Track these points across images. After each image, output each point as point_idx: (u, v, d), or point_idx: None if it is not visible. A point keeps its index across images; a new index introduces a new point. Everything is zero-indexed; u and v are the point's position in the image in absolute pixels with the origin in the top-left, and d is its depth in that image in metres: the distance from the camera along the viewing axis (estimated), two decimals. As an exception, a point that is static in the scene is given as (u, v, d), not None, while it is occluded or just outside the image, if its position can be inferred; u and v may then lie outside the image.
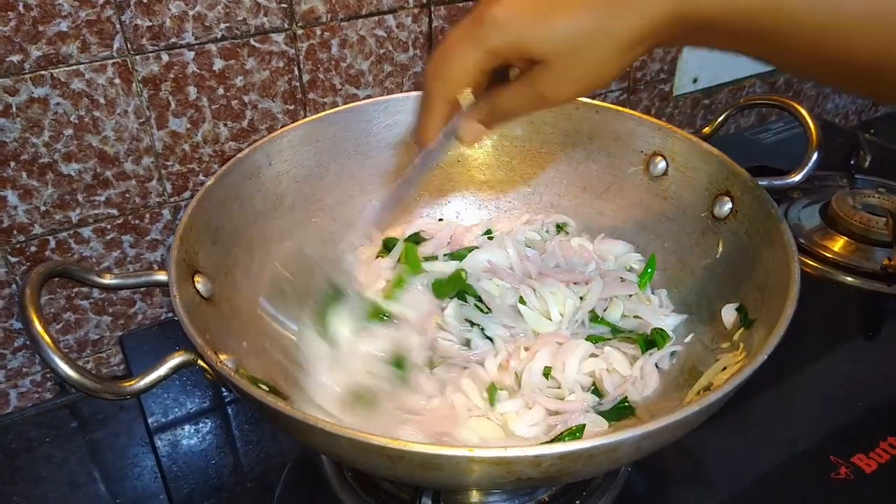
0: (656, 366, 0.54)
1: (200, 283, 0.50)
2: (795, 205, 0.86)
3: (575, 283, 0.60)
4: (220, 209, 0.56)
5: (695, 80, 1.00)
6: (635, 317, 0.58)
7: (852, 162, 0.94)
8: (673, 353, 0.55)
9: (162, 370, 0.43)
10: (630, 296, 0.59)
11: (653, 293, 0.61)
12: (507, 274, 0.61)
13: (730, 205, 0.57)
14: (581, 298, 0.59)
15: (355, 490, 0.54)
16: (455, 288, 0.59)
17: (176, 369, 0.43)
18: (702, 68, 0.99)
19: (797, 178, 0.56)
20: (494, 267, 0.61)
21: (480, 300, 0.58)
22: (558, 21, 0.38)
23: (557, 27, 0.38)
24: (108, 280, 0.48)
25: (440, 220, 0.71)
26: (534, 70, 0.40)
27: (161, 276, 0.48)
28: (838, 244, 0.80)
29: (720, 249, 0.57)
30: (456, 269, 0.61)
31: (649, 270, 0.62)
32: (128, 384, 0.42)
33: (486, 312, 0.58)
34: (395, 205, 0.51)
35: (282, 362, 0.50)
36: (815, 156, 0.56)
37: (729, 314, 0.53)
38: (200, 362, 0.43)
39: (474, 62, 0.40)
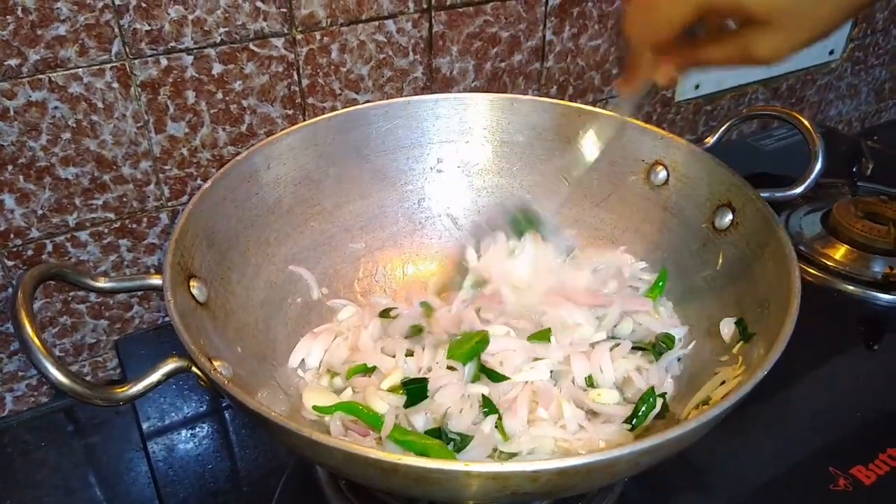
0: (666, 370, 0.55)
1: (196, 288, 0.50)
2: (797, 212, 0.86)
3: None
4: (217, 212, 0.55)
5: (697, 87, 0.99)
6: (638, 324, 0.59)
7: (854, 169, 0.94)
8: (679, 359, 0.55)
9: (155, 376, 0.42)
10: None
11: (661, 305, 0.60)
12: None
13: (731, 216, 0.57)
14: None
15: (349, 499, 0.54)
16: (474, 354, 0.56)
17: (169, 375, 0.43)
18: (704, 75, 0.99)
19: (799, 189, 0.56)
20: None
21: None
22: None
23: None
24: (102, 283, 0.48)
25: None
26: (747, 27, 0.39)
27: (156, 280, 0.48)
28: (839, 252, 0.79)
29: (720, 261, 0.57)
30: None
31: (660, 284, 0.61)
32: (120, 390, 0.42)
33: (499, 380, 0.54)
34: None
35: None
36: (817, 167, 0.56)
37: (728, 328, 0.52)
38: (194, 369, 0.42)
39: (680, 15, 0.40)
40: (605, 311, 0.59)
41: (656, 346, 0.56)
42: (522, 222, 0.63)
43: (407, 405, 0.52)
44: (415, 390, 0.52)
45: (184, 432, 0.63)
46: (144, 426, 0.63)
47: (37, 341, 0.40)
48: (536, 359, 0.55)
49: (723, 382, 0.47)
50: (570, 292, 0.60)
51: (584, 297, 0.60)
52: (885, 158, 1.00)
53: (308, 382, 0.57)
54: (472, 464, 0.34)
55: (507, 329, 0.57)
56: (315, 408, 0.53)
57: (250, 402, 0.38)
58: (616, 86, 0.49)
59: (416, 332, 0.60)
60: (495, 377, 0.53)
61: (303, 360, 0.59)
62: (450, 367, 0.54)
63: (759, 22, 0.38)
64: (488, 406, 0.51)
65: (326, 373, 0.58)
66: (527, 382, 0.53)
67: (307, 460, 0.56)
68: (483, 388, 0.52)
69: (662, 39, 0.42)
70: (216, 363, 0.45)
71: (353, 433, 0.51)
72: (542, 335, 0.56)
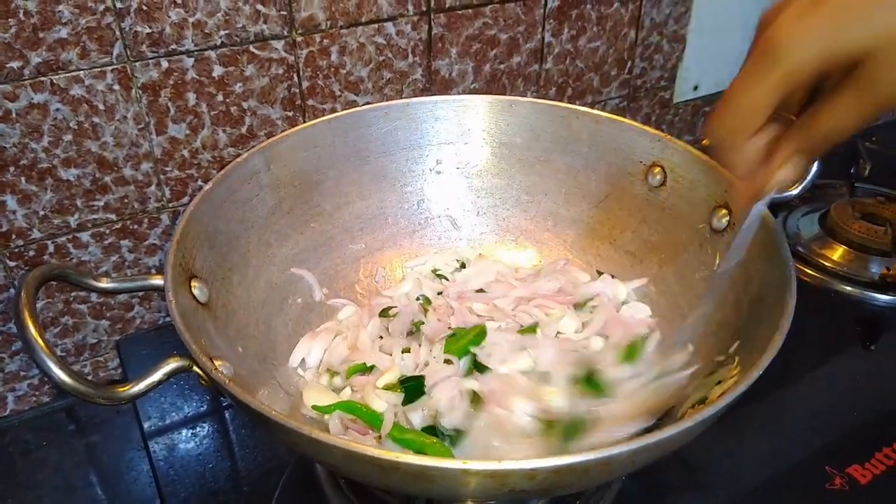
0: None
1: (197, 288, 0.50)
2: (794, 213, 0.86)
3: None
4: (218, 213, 0.56)
5: (695, 88, 1.00)
6: None
7: (852, 170, 0.94)
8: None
9: (156, 375, 0.43)
10: None
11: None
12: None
13: (728, 218, 0.57)
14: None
15: (349, 497, 0.54)
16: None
17: (171, 375, 0.43)
18: (703, 76, 0.99)
19: (795, 191, 0.56)
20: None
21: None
22: (869, 9, 0.33)
23: (873, 16, 0.33)
24: (104, 284, 0.49)
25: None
26: (854, 74, 0.34)
27: (157, 281, 0.48)
28: (837, 253, 0.79)
29: (717, 262, 0.57)
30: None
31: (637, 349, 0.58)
32: (122, 389, 0.42)
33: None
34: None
35: None
36: (814, 168, 0.56)
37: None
38: (195, 368, 0.43)
39: (766, 96, 0.35)
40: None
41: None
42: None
43: (405, 403, 0.52)
44: (412, 388, 0.53)
45: (184, 432, 0.63)
46: (145, 426, 0.63)
47: (40, 341, 0.41)
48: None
49: (719, 382, 0.47)
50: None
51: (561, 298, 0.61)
52: (883, 159, 1.00)
53: (308, 381, 0.57)
54: (471, 462, 0.35)
55: (498, 324, 0.58)
56: (315, 407, 0.53)
57: (251, 401, 0.39)
58: (735, 202, 0.44)
59: (416, 327, 0.60)
60: (484, 370, 0.54)
61: (303, 359, 0.59)
62: (447, 361, 0.54)
63: (865, 60, 0.33)
64: (475, 400, 0.51)
65: (326, 372, 0.58)
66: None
67: (307, 459, 0.56)
68: (474, 382, 0.53)
69: (755, 127, 0.36)
70: (217, 363, 0.45)
71: (352, 432, 0.51)
72: (531, 329, 0.58)
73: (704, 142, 0.66)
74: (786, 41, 0.34)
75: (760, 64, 0.35)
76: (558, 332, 0.59)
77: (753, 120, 0.36)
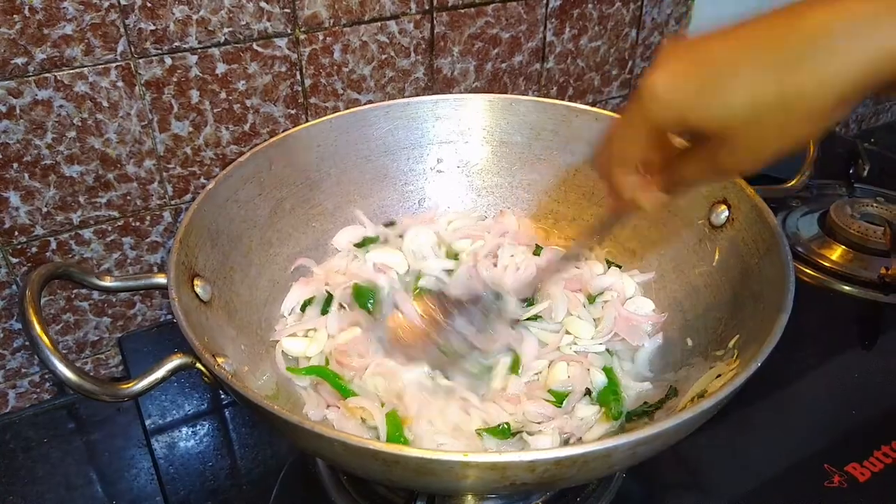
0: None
1: (199, 287, 0.50)
2: (794, 213, 0.86)
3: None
4: (220, 212, 0.56)
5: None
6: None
7: (851, 171, 0.94)
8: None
9: (160, 372, 0.43)
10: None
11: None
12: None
13: (727, 213, 0.57)
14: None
15: (350, 494, 0.54)
16: None
17: (174, 372, 0.43)
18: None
19: (794, 184, 0.56)
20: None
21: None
22: (729, 91, 0.33)
23: (729, 99, 0.33)
24: (107, 282, 0.49)
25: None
26: (710, 143, 0.35)
27: (160, 279, 0.48)
28: (836, 253, 0.80)
29: (717, 257, 0.57)
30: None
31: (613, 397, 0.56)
32: (125, 386, 0.42)
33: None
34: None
35: None
36: (811, 164, 0.56)
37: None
38: (198, 365, 0.43)
39: (638, 142, 0.38)
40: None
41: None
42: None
43: None
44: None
45: (185, 430, 0.63)
46: (146, 423, 0.63)
47: (45, 339, 0.41)
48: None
49: (718, 376, 0.47)
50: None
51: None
52: (882, 160, 1.00)
53: (289, 327, 0.59)
54: (471, 454, 0.35)
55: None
56: (289, 369, 0.56)
57: (254, 396, 0.39)
58: (608, 211, 0.48)
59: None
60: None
61: (292, 308, 0.61)
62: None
63: (718, 137, 0.35)
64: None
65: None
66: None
67: (309, 453, 0.57)
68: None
69: (626, 169, 0.40)
70: (220, 360, 0.46)
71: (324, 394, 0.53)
72: None
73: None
74: (653, 96, 0.35)
75: (634, 111, 0.37)
76: (575, 339, 0.59)
77: (625, 161, 0.40)
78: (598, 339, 0.59)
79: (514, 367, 0.56)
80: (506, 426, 0.51)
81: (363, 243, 0.67)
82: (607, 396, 0.54)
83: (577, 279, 0.63)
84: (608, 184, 0.42)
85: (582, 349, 0.58)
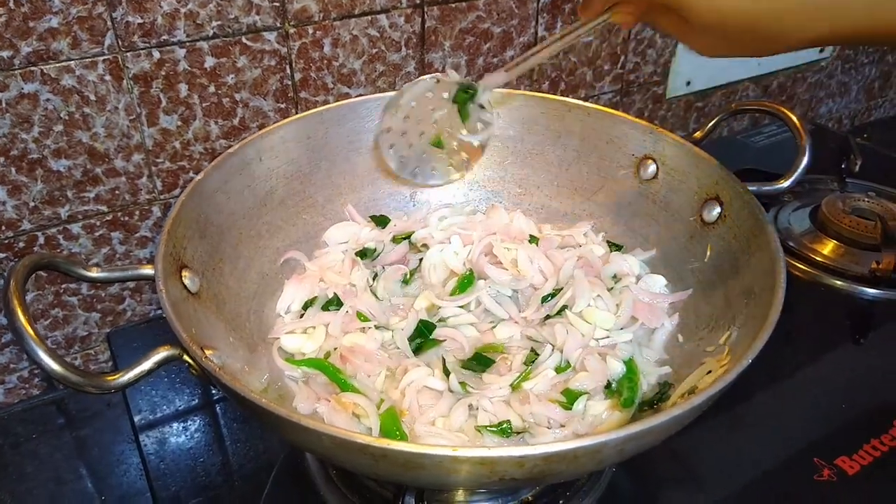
0: None
1: (188, 278, 0.50)
2: (786, 208, 0.86)
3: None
4: (209, 204, 0.56)
5: (688, 83, 1.00)
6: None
7: (843, 166, 0.94)
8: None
9: (146, 364, 0.43)
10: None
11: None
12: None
13: (718, 209, 0.57)
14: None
15: (340, 489, 0.54)
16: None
17: (161, 364, 0.43)
18: (695, 71, 0.99)
19: (786, 183, 0.56)
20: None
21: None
22: None
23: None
24: (94, 273, 0.48)
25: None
26: (688, 22, 0.41)
27: (148, 271, 0.48)
28: (828, 248, 0.80)
29: (708, 254, 0.57)
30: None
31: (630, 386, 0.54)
32: (111, 378, 0.42)
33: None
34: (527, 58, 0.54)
35: None
36: (804, 162, 0.56)
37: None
38: (186, 357, 0.43)
39: None
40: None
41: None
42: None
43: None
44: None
45: (175, 425, 0.63)
46: (136, 419, 0.63)
47: (29, 330, 0.40)
48: None
49: (709, 372, 0.47)
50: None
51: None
52: (874, 155, 1.01)
53: (286, 324, 0.58)
54: (460, 449, 0.35)
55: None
56: (286, 360, 0.55)
57: (241, 388, 0.39)
58: (579, 11, 0.51)
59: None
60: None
61: (288, 306, 0.60)
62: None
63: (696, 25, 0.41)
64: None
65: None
66: None
67: (297, 447, 0.56)
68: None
69: None
70: (208, 352, 0.45)
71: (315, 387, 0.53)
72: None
73: (696, 135, 0.66)
74: None
75: None
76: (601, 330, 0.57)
77: None
78: (619, 326, 0.57)
79: (560, 368, 0.53)
80: (507, 425, 0.48)
81: (363, 254, 0.65)
82: (622, 385, 0.52)
83: (586, 263, 0.61)
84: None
85: (612, 341, 0.55)
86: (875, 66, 1.23)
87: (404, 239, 0.65)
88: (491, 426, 0.49)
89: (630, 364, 0.53)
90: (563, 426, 0.49)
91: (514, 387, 0.51)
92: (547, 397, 0.51)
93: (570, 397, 0.50)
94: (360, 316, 0.58)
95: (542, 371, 0.52)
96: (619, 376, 0.53)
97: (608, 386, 0.52)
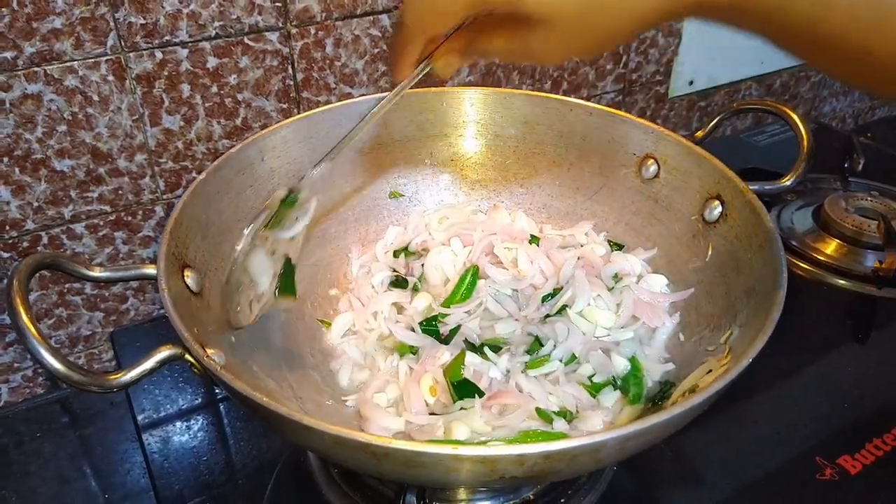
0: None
1: (190, 278, 0.50)
2: (788, 207, 0.86)
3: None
4: (212, 204, 0.56)
5: (690, 83, 1.00)
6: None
7: (846, 165, 0.94)
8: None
9: (149, 363, 0.43)
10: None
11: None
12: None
13: (720, 209, 0.57)
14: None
15: (341, 487, 0.54)
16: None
17: (163, 363, 0.43)
18: (697, 70, 0.99)
19: (788, 182, 0.56)
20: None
21: None
22: None
23: None
24: (97, 273, 0.48)
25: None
26: (530, 24, 0.38)
27: (150, 270, 0.48)
28: (830, 247, 0.80)
29: (709, 253, 0.57)
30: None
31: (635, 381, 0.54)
32: (114, 377, 0.42)
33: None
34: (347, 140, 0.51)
35: None
36: (806, 161, 0.56)
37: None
38: (188, 356, 0.43)
39: (464, 6, 0.39)
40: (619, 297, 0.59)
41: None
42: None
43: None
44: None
45: (178, 424, 0.63)
46: (139, 418, 0.63)
47: (32, 329, 0.41)
48: None
49: (709, 371, 0.47)
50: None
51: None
52: (877, 154, 1.00)
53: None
54: (461, 447, 0.35)
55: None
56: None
57: (242, 387, 0.39)
58: (393, 76, 0.47)
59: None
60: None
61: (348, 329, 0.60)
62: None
63: (542, 22, 0.37)
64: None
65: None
66: None
67: (298, 446, 0.57)
68: None
69: (441, 30, 0.41)
70: (209, 351, 0.45)
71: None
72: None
73: (698, 134, 0.66)
74: None
75: None
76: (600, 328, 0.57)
77: (446, 22, 0.41)
78: (620, 325, 0.57)
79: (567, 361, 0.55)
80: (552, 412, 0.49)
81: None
82: (628, 381, 0.53)
83: (588, 263, 0.61)
84: (412, 40, 0.42)
85: (614, 339, 0.56)
86: (878, 64, 1.23)
87: (402, 251, 0.65)
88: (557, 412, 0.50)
89: (634, 361, 0.54)
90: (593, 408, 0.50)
91: (532, 365, 0.53)
92: (576, 380, 0.53)
93: (594, 388, 0.53)
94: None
95: (552, 359, 0.54)
96: (623, 373, 0.53)
97: (613, 383, 0.53)
